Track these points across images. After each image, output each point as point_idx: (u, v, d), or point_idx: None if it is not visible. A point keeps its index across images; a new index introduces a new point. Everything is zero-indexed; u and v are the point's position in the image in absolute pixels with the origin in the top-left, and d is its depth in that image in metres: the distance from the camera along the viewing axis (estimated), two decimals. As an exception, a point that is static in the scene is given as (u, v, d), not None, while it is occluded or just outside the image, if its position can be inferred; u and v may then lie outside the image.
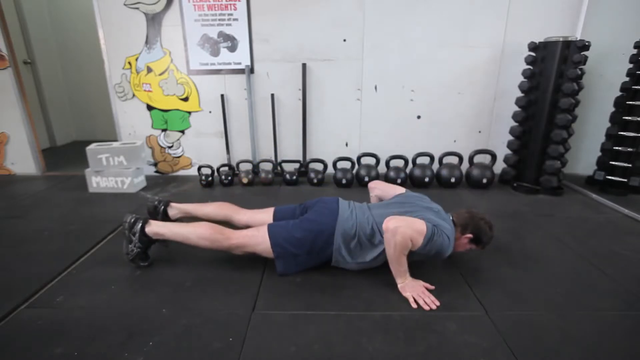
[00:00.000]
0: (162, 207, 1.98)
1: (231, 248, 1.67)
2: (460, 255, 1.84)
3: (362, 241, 1.61)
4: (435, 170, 2.95)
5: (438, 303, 1.46)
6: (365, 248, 1.62)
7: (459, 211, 1.73)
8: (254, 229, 1.70)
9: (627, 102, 2.66)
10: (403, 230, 1.43)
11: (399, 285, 1.55)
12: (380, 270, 1.70)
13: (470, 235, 1.64)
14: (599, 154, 2.87)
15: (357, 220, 1.64)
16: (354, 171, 2.99)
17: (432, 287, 1.55)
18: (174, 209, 2.00)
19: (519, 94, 2.85)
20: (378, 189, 2.03)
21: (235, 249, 1.67)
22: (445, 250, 1.53)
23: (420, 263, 1.69)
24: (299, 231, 1.63)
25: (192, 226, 1.70)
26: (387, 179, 2.88)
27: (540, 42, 2.70)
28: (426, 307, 1.44)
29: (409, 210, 1.64)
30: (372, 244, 1.61)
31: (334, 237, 1.61)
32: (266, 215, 1.87)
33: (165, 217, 1.98)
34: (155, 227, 1.68)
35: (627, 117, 2.66)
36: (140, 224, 1.66)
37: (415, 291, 1.50)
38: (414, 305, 1.45)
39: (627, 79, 2.68)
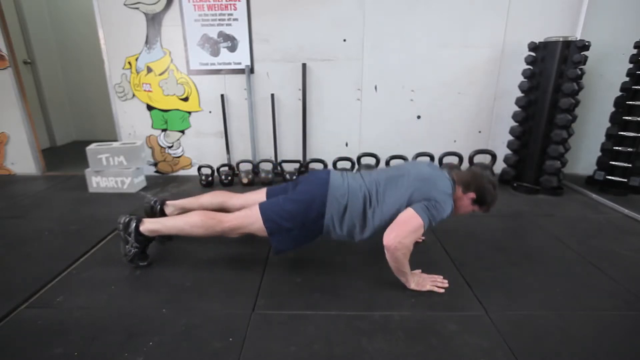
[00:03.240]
0: (159, 206, 1.97)
1: (225, 232, 1.64)
2: (461, 256, 1.84)
3: (352, 208, 1.56)
4: (435, 170, 2.95)
5: (447, 282, 1.59)
6: (357, 217, 1.57)
7: (460, 170, 1.67)
8: (246, 209, 1.68)
9: (627, 102, 2.66)
10: (406, 242, 1.42)
11: (411, 286, 1.55)
12: (381, 270, 1.70)
13: (472, 195, 1.57)
14: (599, 154, 2.87)
15: (349, 188, 1.59)
16: (354, 171, 2.99)
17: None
18: (170, 207, 1.99)
19: (519, 94, 2.85)
20: None
21: (229, 232, 1.65)
22: (444, 216, 1.49)
23: (421, 264, 1.69)
24: (289, 204, 1.60)
25: (184, 217, 1.69)
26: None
27: (540, 42, 2.70)
28: (442, 290, 1.54)
29: (401, 174, 1.60)
30: (365, 214, 1.56)
31: (326, 207, 1.56)
32: (259, 195, 1.85)
33: (163, 216, 1.98)
34: (148, 225, 1.68)
35: (627, 117, 2.66)
36: (134, 224, 1.66)
37: (426, 282, 1.56)
38: (441, 291, 1.54)
39: (627, 79, 2.68)
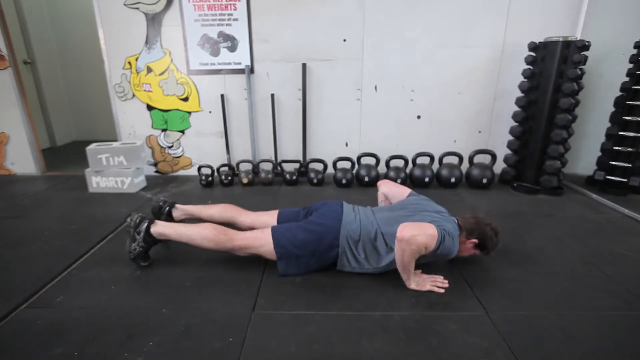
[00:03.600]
0: (167, 208, 1.98)
1: (234, 249, 1.67)
2: (462, 257, 1.84)
3: (366, 246, 1.61)
4: (435, 170, 2.95)
5: (447, 282, 1.59)
6: (370, 253, 1.62)
7: (465, 215, 1.72)
8: (258, 230, 1.71)
9: (627, 102, 2.66)
10: (419, 239, 1.42)
11: (411, 286, 1.56)
12: (380, 270, 1.70)
13: (475, 241, 1.63)
14: (599, 154, 2.87)
15: (361, 224, 1.64)
16: (354, 171, 2.99)
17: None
18: (179, 211, 2.00)
19: (519, 94, 2.85)
20: (386, 187, 2.04)
21: (238, 250, 1.67)
22: (452, 253, 1.54)
23: (421, 264, 1.69)
24: (302, 233, 1.64)
25: (196, 227, 1.71)
26: (387, 179, 2.87)
27: (540, 42, 2.70)
28: (442, 291, 1.55)
29: (413, 214, 1.65)
30: (375, 249, 1.61)
31: (339, 240, 1.61)
32: (270, 217, 1.88)
33: (169, 218, 1.98)
34: (160, 228, 1.69)
35: (627, 117, 2.66)
36: (146, 224, 1.67)
37: (426, 282, 1.57)
38: (441, 291, 1.55)
39: (627, 79, 2.68)
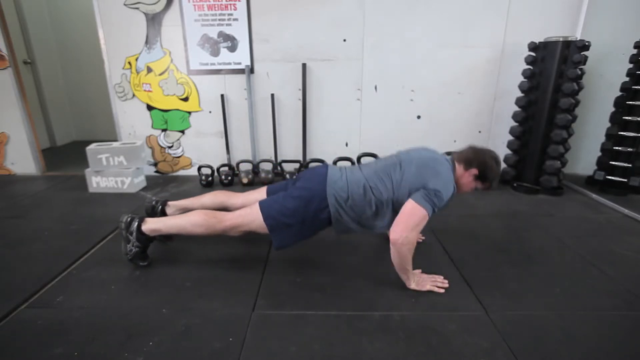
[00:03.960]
0: (160, 206, 1.98)
1: (226, 230, 1.65)
2: (461, 256, 1.84)
3: (356, 202, 1.57)
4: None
5: (447, 282, 1.59)
6: (361, 208, 1.58)
7: (461, 149, 1.67)
8: (247, 207, 1.69)
9: (627, 102, 2.66)
10: (410, 238, 1.43)
11: (411, 286, 1.56)
12: (381, 270, 1.70)
13: (475, 171, 1.58)
14: (599, 154, 2.87)
15: (347, 181, 1.60)
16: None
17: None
18: (172, 207, 2.00)
19: (519, 94, 2.85)
20: None
21: (230, 230, 1.65)
22: (447, 200, 1.50)
23: (421, 264, 1.69)
24: (290, 201, 1.61)
25: (185, 216, 1.70)
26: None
27: (540, 42, 2.70)
28: (442, 291, 1.54)
29: (400, 161, 1.61)
30: (367, 204, 1.57)
31: (327, 201, 1.57)
32: (259, 194, 1.86)
33: (164, 217, 1.98)
34: (150, 224, 1.69)
35: (627, 117, 2.66)
36: (136, 223, 1.67)
37: (426, 282, 1.57)
38: (441, 291, 1.54)
39: (627, 79, 2.68)
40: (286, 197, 1.63)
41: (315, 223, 1.61)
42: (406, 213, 1.46)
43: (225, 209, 1.88)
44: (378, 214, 1.59)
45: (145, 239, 1.69)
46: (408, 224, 1.44)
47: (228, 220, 1.65)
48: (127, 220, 1.68)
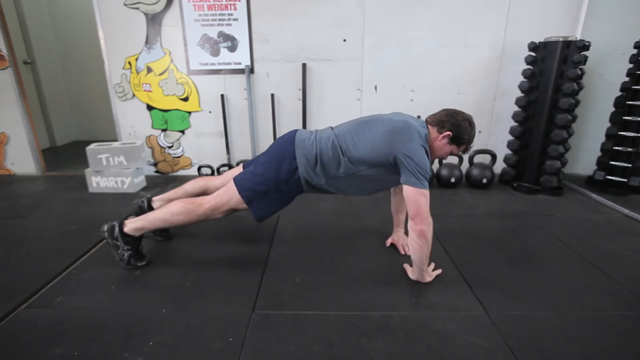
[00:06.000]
0: (146, 204, 1.97)
1: (208, 214, 1.64)
2: (461, 256, 1.84)
3: (324, 159, 1.56)
4: (435, 170, 2.95)
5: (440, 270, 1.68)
6: (330, 166, 1.57)
7: (434, 113, 1.66)
8: (223, 187, 1.68)
9: (627, 102, 2.66)
10: (430, 220, 1.47)
11: (426, 279, 1.59)
12: (380, 270, 1.71)
13: (448, 133, 1.55)
14: (599, 154, 2.87)
15: (316, 139, 1.59)
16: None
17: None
18: (158, 202, 1.98)
19: (519, 94, 2.85)
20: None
21: (212, 213, 1.64)
22: (428, 164, 1.49)
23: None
24: (260, 167, 1.61)
25: (165, 208, 1.69)
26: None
27: (540, 42, 2.70)
28: (439, 271, 1.66)
29: (372, 120, 1.61)
30: (338, 159, 1.56)
31: (297, 161, 1.56)
32: (236, 171, 1.85)
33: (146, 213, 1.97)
34: (132, 224, 1.68)
35: (627, 117, 2.66)
36: (117, 227, 1.66)
37: (431, 276, 1.62)
38: (438, 271, 1.65)
39: (627, 79, 2.68)
40: (257, 165, 1.63)
41: (291, 186, 1.61)
42: (415, 202, 1.46)
43: (207, 192, 1.87)
44: (340, 165, 1.57)
45: (132, 240, 1.68)
46: (422, 211, 1.46)
47: (207, 202, 1.64)
48: (108, 228, 1.67)
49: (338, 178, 1.60)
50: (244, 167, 1.83)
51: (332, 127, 1.70)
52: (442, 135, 1.56)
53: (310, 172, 1.58)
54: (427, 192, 1.46)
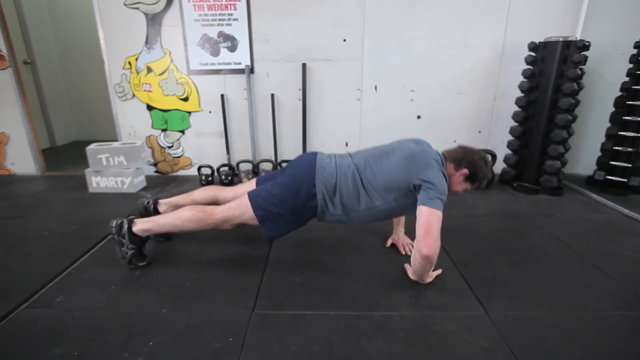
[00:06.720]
0: (152, 205, 1.96)
1: (217, 224, 1.64)
2: (461, 256, 1.84)
3: (344, 190, 1.56)
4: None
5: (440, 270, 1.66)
6: (349, 197, 1.56)
7: (450, 149, 1.67)
8: (236, 200, 1.67)
9: (627, 102, 2.66)
10: (438, 245, 1.42)
11: (426, 281, 1.58)
12: (381, 270, 1.71)
13: (465, 171, 1.57)
14: (599, 154, 2.87)
15: (337, 166, 1.59)
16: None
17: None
18: (164, 205, 1.98)
19: (519, 94, 2.85)
20: None
21: (221, 224, 1.64)
22: (446, 191, 1.49)
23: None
24: (277, 188, 1.59)
25: (175, 213, 1.69)
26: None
27: (540, 42, 2.70)
28: (439, 271, 1.64)
29: (391, 150, 1.61)
30: (355, 191, 1.55)
31: (316, 188, 1.55)
32: (249, 185, 1.85)
33: (155, 216, 1.97)
34: (141, 225, 1.68)
35: (627, 117, 2.66)
36: (126, 225, 1.65)
37: (431, 276, 1.60)
38: (438, 271, 1.63)
39: (627, 79, 2.68)
40: (274, 186, 1.62)
41: (306, 211, 1.60)
42: (424, 223, 1.42)
43: (216, 203, 1.87)
44: (360, 201, 1.57)
45: (138, 240, 1.69)
46: (432, 233, 1.41)
47: (218, 213, 1.63)
48: (116, 224, 1.66)
49: (357, 211, 1.60)
50: (257, 182, 1.84)
51: (350, 155, 1.70)
52: (459, 172, 1.58)
53: (327, 201, 1.57)
54: (440, 214, 1.42)
